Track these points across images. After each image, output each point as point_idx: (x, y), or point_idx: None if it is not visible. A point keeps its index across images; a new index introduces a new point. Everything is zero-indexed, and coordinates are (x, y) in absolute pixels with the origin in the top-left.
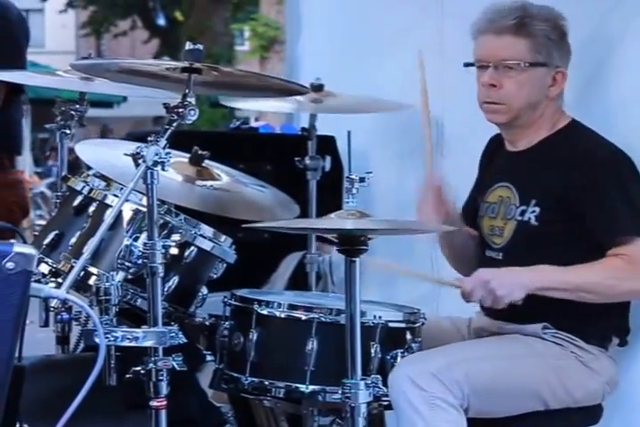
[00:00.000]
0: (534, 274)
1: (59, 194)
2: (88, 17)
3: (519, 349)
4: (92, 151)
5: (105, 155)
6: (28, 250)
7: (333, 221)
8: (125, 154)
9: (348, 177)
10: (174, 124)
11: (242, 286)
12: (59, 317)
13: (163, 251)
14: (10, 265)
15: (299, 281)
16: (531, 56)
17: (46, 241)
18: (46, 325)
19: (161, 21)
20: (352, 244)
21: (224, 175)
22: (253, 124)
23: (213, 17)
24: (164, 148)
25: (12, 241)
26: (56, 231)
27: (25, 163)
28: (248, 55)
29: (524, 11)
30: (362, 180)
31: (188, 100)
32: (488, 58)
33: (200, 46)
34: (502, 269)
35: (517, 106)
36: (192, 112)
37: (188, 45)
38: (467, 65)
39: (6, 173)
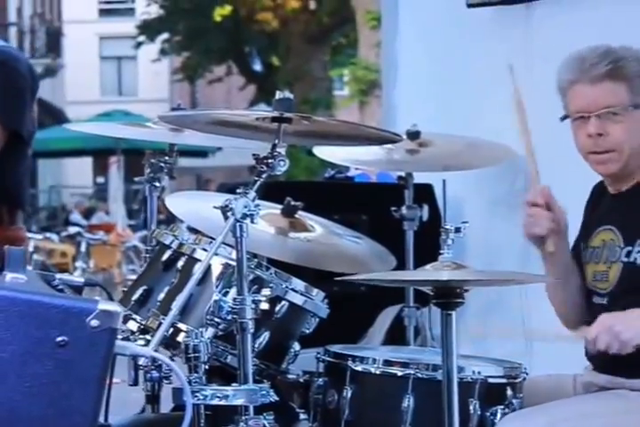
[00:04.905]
0: None
1: (149, 248)
2: (181, 63)
3: (623, 405)
4: (182, 204)
5: (196, 207)
6: (113, 307)
7: (429, 272)
8: (214, 207)
9: (442, 227)
10: (264, 176)
11: (338, 341)
12: (148, 375)
13: (253, 306)
14: (94, 323)
15: (396, 335)
16: (631, 98)
17: (135, 297)
18: (135, 383)
19: (257, 67)
20: (448, 296)
21: (318, 227)
22: (349, 172)
23: (311, 61)
24: (253, 200)
25: (97, 298)
26: (145, 287)
27: (118, 215)
28: (347, 101)
29: (612, 55)
30: (457, 230)
31: (278, 150)
32: (589, 108)
33: (290, 95)
34: (627, 311)
35: (628, 150)
36: (282, 163)
37: (278, 95)
38: (563, 119)
39: (3, 228)
